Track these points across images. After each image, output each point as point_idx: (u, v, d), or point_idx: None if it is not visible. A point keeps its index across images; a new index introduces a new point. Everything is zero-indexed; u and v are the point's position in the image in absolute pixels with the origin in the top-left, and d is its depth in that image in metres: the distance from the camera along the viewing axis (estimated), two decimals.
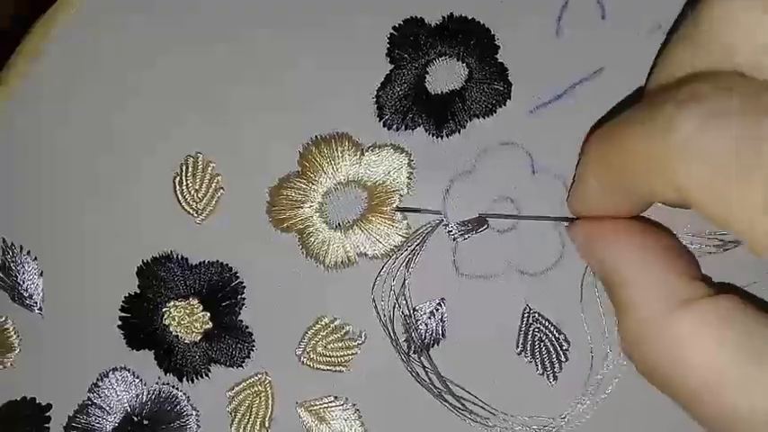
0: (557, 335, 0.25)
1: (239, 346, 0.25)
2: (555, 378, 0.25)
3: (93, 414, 0.26)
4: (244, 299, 0.25)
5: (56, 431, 0.26)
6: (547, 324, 0.25)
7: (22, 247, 0.25)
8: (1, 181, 0.25)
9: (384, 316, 0.25)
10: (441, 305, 0.25)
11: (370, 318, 0.25)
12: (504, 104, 0.25)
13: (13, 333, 0.26)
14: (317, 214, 0.25)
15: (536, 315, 0.25)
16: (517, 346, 0.25)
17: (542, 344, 0.25)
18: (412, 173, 0.25)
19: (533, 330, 0.25)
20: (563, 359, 0.25)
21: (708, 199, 0.15)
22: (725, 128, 0.14)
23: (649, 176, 0.17)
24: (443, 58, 0.24)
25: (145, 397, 0.26)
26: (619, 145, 0.18)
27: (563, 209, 0.24)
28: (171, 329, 0.25)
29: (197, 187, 0.25)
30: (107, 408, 0.26)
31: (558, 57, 0.24)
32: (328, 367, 0.25)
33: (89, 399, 0.26)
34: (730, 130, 0.14)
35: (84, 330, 0.25)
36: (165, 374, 0.25)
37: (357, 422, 0.25)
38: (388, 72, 0.24)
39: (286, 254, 0.25)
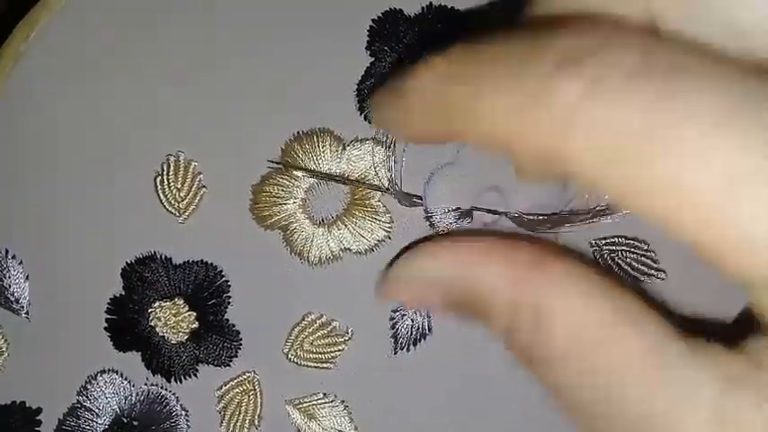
0: None
1: (226, 345, 0.27)
2: None
3: (83, 417, 0.27)
4: (229, 297, 0.27)
5: None
6: None
7: (7, 251, 0.27)
8: None
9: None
10: None
11: (357, 313, 0.27)
12: None
13: (0, 337, 0.28)
14: (301, 210, 0.27)
15: None
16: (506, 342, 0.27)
17: None
18: (394, 166, 0.27)
19: None
20: None
21: (598, 174, 0.13)
22: (623, 95, 0.13)
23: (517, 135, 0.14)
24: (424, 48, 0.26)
25: (134, 398, 0.27)
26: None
27: (555, 196, 0.26)
28: (157, 330, 0.27)
29: (179, 186, 0.26)
30: (96, 410, 0.27)
31: None
32: (316, 364, 0.27)
33: (78, 402, 0.27)
34: (631, 98, 0.12)
35: (72, 333, 0.27)
36: (154, 375, 0.27)
37: (346, 418, 0.27)
38: (368, 65, 0.26)
39: (270, 251, 0.26)
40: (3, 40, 0.27)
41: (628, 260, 0.26)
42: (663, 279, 0.26)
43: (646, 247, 0.26)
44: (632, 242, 0.26)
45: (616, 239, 0.26)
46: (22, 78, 0.26)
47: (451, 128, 0.16)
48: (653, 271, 0.26)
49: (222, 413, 0.27)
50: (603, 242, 0.26)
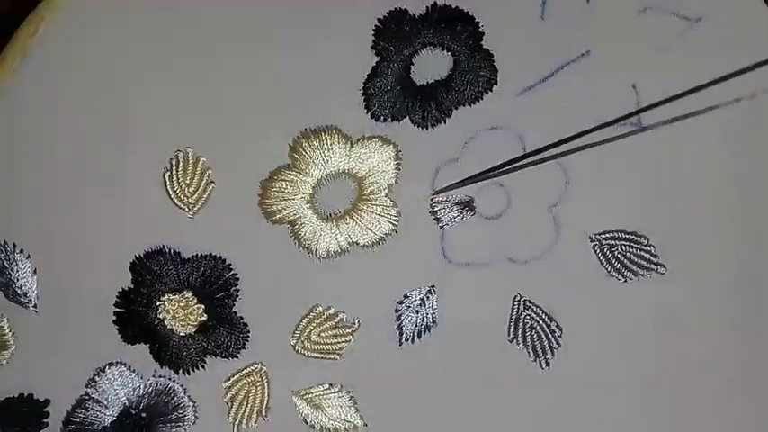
0: (548, 321, 0.27)
1: (234, 337, 0.27)
2: (547, 364, 0.27)
3: (91, 409, 0.28)
4: (237, 290, 0.27)
5: (54, 427, 0.28)
6: (538, 311, 0.27)
7: (15, 245, 0.27)
8: None
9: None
10: (431, 293, 0.27)
11: (363, 305, 0.27)
12: (491, 90, 0.27)
13: (8, 331, 0.27)
14: (308, 205, 0.27)
15: (527, 302, 0.27)
16: (509, 334, 0.27)
17: (534, 331, 0.27)
18: (400, 163, 0.27)
19: (524, 318, 0.27)
20: (555, 345, 0.27)
21: None
22: None
23: None
24: (428, 48, 0.27)
25: (142, 390, 0.28)
26: None
27: (556, 190, 0.27)
28: (166, 323, 0.27)
29: (188, 182, 0.27)
30: (105, 402, 0.28)
31: (544, 40, 0.26)
32: (322, 355, 0.27)
33: (86, 394, 0.27)
34: None
35: (80, 326, 0.27)
36: (162, 367, 0.27)
37: (352, 409, 0.27)
38: (374, 65, 0.26)
39: (278, 245, 0.27)
40: (6, 39, 0.27)
41: (628, 254, 0.27)
42: (663, 274, 0.27)
43: (646, 242, 0.27)
44: (632, 236, 0.27)
45: (616, 234, 0.27)
46: (29, 74, 0.27)
47: None
48: (653, 266, 0.27)
49: (230, 404, 0.28)
50: (603, 236, 0.27)
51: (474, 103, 0.27)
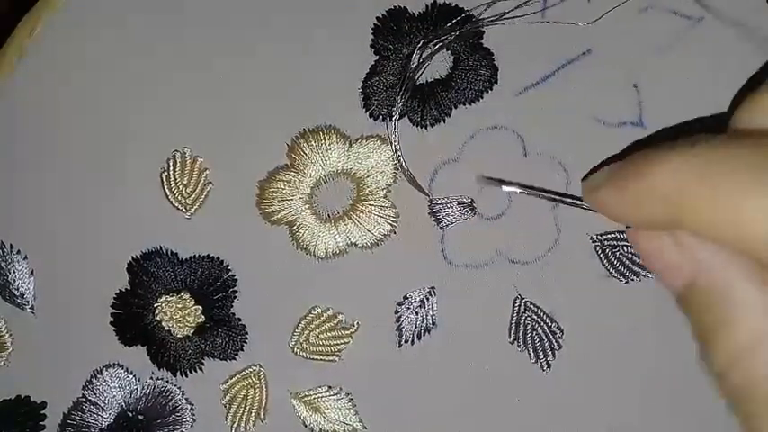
0: (549, 323, 0.27)
1: (232, 338, 0.27)
2: (548, 366, 0.27)
3: (88, 411, 0.28)
4: (236, 292, 0.27)
5: (51, 429, 0.27)
6: (539, 313, 0.27)
7: (12, 246, 0.27)
8: None
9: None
10: (431, 294, 0.27)
11: (362, 307, 0.27)
12: (491, 89, 0.27)
13: (5, 332, 0.27)
14: (307, 206, 0.27)
15: (528, 304, 0.27)
16: (509, 335, 0.27)
17: (535, 332, 0.27)
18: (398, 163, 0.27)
19: (525, 319, 0.27)
20: (556, 347, 0.27)
21: None
22: None
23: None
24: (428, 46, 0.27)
25: (139, 392, 0.28)
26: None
27: (557, 188, 0.26)
28: (163, 324, 0.27)
29: (185, 182, 0.27)
30: (102, 404, 0.28)
31: (545, 39, 0.26)
32: (321, 357, 0.27)
33: (83, 396, 0.27)
34: None
35: (77, 328, 0.27)
36: (159, 369, 0.27)
37: (351, 411, 0.27)
38: (372, 63, 0.26)
39: (277, 246, 0.27)
40: (4, 39, 0.27)
41: (629, 255, 0.26)
42: None
43: None
44: None
45: (617, 234, 0.26)
46: (26, 74, 0.27)
47: (679, 218, 0.18)
48: None
49: (228, 406, 0.27)
50: (605, 237, 0.27)
51: (474, 103, 0.26)
